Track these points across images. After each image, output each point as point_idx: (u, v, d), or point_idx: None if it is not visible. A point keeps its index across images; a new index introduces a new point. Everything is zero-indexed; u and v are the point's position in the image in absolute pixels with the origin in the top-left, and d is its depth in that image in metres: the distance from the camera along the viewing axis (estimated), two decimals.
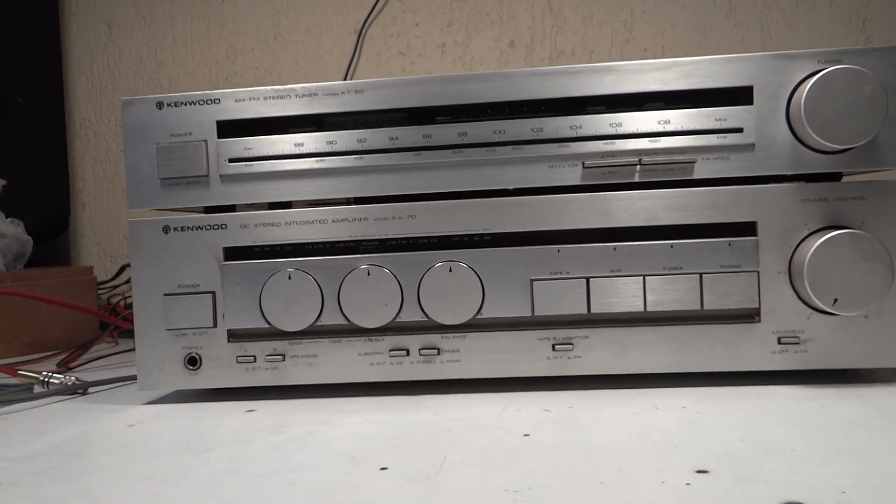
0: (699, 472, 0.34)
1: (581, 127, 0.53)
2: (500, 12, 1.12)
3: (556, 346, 0.53)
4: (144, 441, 0.46)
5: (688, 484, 0.33)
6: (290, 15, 1.17)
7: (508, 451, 0.39)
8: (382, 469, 0.37)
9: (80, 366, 0.76)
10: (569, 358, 0.53)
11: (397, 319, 0.54)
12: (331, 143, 0.54)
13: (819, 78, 0.49)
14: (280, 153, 0.55)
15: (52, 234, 1.15)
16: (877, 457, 0.35)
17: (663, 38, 1.09)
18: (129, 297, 1.08)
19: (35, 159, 1.14)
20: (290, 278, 0.54)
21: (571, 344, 0.53)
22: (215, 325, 0.55)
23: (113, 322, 0.83)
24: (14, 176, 1.08)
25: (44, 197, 1.15)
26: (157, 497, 0.35)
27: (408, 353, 0.54)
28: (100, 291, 1.10)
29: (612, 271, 0.52)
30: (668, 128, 0.52)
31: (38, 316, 0.88)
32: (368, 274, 0.54)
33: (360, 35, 1.15)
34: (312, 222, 0.55)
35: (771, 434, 0.40)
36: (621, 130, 0.52)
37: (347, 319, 0.54)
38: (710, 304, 0.51)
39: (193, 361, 0.56)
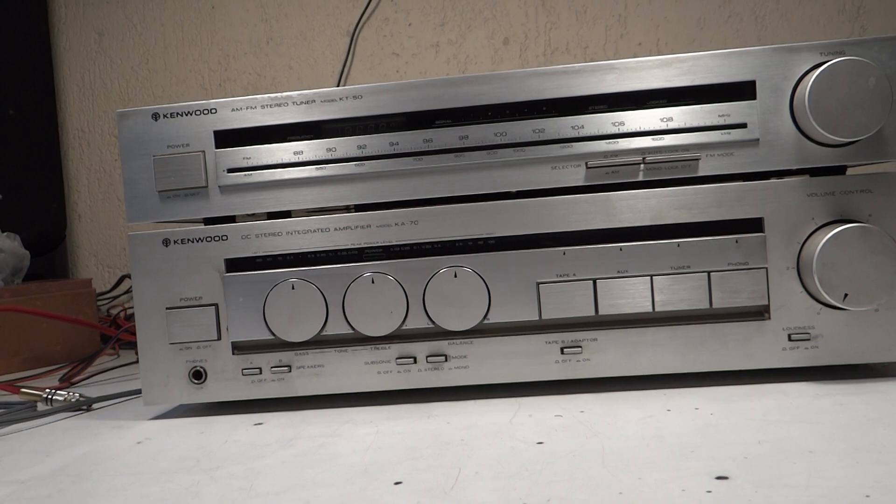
0: (719, 478, 0.34)
1: (583, 127, 0.52)
2: (493, 9, 1.11)
3: (565, 350, 0.52)
4: (153, 459, 0.45)
5: (709, 491, 0.32)
6: (282, 19, 1.17)
7: (523, 461, 0.38)
8: (397, 483, 0.37)
9: (82, 380, 0.76)
10: (578, 361, 0.52)
11: (403, 327, 0.53)
12: (330, 150, 0.54)
13: (823, 70, 0.48)
14: (279, 162, 0.54)
15: (49, 247, 1.14)
16: None
17: (658, 32, 1.08)
18: (130, 307, 1.07)
19: (29, 172, 1.13)
20: (293, 288, 0.54)
21: (580, 346, 0.52)
22: (219, 338, 0.55)
23: (115, 335, 0.82)
24: (9, 189, 1.07)
25: (40, 209, 1.14)
26: None
27: (415, 361, 0.54)
28: (99, 303, 1.09)
29: (618, 272, 0.52)
30: (671, 125, 0.51)
31: (38, 331, 0.87)
32: (373, 282, 0.53)
33: (353, 37, 1.15)
34: (314, 231, 0.54)
35: (788, 435, 0.39)
36: (624, 129, 0.52)
37: (353, 328, 0.53)
38: (718, 303, 0.51)
39: (198, 375, 0.55)
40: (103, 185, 1.22)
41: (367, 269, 0.53)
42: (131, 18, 1.20)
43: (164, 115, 0.55)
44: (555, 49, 1.11)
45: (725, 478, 0.34)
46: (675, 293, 0.51)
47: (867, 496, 0.30)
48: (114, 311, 1.09)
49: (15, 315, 0.83)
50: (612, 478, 0.35)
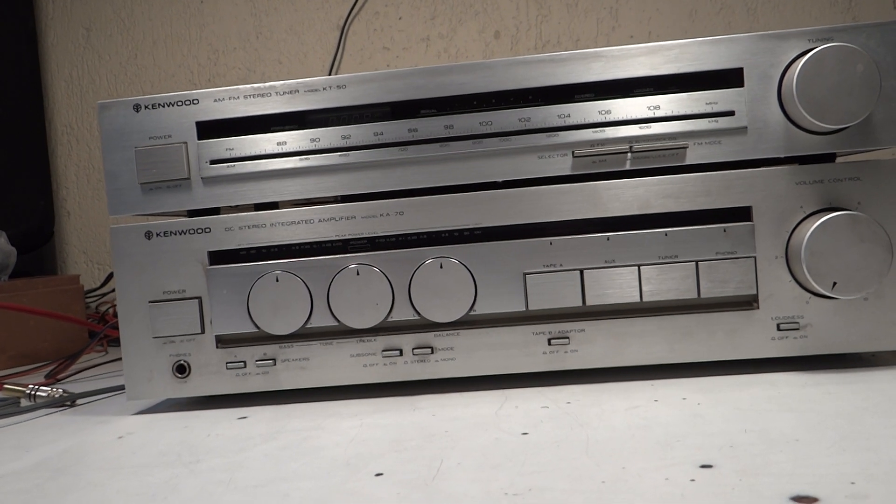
0: (703, 466, 0.33)
1: (569, 115, 0.51)
2: (483, 3, 1.11)
3: (552, 341, 0.52)
4: (134, 454, 0.44)
5: (692, 480, 0.32)
6: (272, 13, 1.16)
7: (507, 452, 0.38)
8: (378, 475, 0.36)
9: (68, 377, 0.75)
10: (565, 352, 0.52)
11: (389, 319, 0.53)
12: (314, 140, 0.53)
13: (810, 57, 0.48)
14: (263, 153, 0.53)
15: (37, 244, 1.13)
16: (884, 443, 0.34)
17: (650, 24, 1.07)
18: None
19: (17, 168, 1.12)
20: (277, 281, 0.53)
21: (567, 338, 0.52)
22: (203, 332, 0.54)
23: (100, 331, 0.82)
24: None
25: (27, 206, 1.13)
26: None
27: (401, 353, 0.53)
28: (88, 300, 1.08)
29: (606, 262, 0.51)
30: (659, 113, 0.51)
31: (25, 327, 0.87)
32: (357, 273, 0.52)
33: (343, 31, 1.14)
34: (298, 222, 0.54)
35: (774, 424, 0.39)
36: (611, 118, 0.51)
37: (338, 321, 0.53)
38: (707, 292, 0.50)
39: (182, 369, 0.54)
40: (92, 181, 1.21)
41: (352, 260, 0.53)
42: (119, 14, 1.19)
43: (146, 107, 0.54)
44: (546, 42, 1.10)
45: (710, 466, 0.33)
46: (663, 283, 0.51)
47: (852, 483, 0.30)
48: (103, 308, 1.08)
49: (1, 312, 0.82)
50: (596, 467, 0.34)
